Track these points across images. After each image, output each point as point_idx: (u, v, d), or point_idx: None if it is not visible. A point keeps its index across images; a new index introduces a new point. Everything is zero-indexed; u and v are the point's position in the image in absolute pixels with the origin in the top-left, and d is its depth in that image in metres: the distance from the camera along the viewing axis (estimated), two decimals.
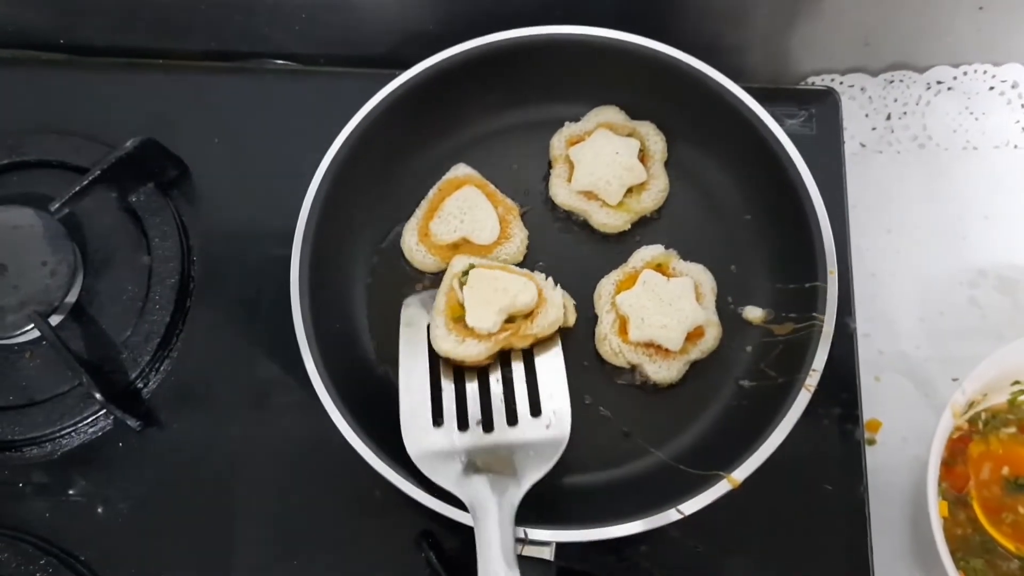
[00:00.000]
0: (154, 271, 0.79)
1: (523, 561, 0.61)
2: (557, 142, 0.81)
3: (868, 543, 0.72)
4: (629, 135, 0.80)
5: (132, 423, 0.73)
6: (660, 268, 0.75)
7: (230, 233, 0.82)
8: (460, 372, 0.70)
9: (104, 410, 0.75)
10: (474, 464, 0.65)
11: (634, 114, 0.82)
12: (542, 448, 0.66)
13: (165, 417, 0.76)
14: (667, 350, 0.72)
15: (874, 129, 0.93)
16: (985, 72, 0.91)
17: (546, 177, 0.81)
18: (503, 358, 0.71)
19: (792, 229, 0.72)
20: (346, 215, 0.76)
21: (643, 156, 0.80)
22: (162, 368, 0.78)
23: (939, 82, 0.92)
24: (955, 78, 0.92)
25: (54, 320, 0.76)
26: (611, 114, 0.82)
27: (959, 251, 0.89)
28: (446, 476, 0.64)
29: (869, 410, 0.78)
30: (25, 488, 0.74)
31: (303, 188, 0.74)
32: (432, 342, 0.70)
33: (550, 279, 0.73)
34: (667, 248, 0.77)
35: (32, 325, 0.74)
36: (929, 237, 0.89)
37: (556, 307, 0.71)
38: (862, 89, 0.93)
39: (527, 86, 0.81)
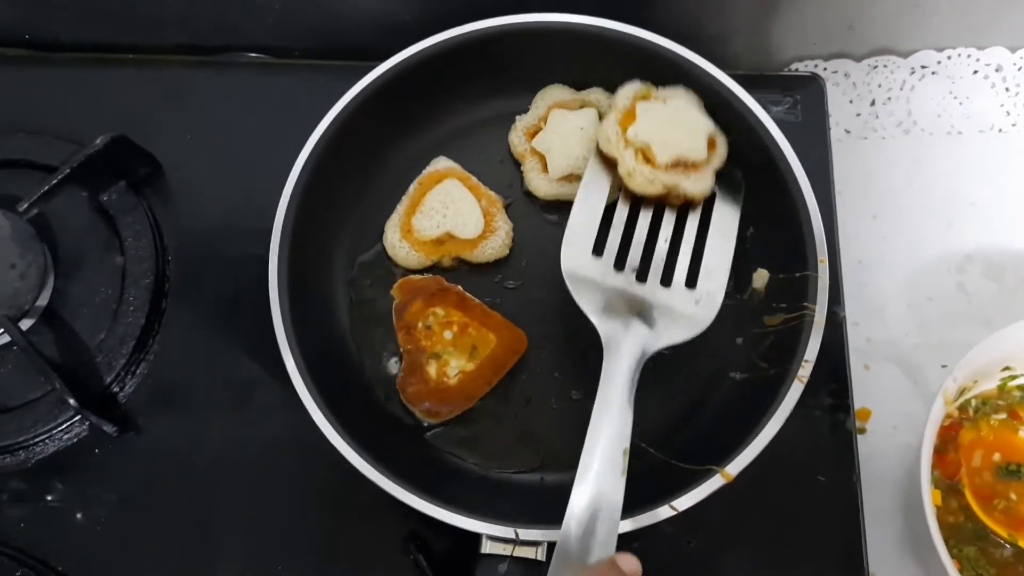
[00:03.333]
0: (128, 271, 0.77)
1: (514, 562, 0.61)
2: (516, 138, 0.80)
3: (861, 533, 0.71)
4: (581, 107, 0.79)
5: (108, 429, 0.72)
6: (645, 98, 0.74)
7: (206, 231, 0.80)
8: (635, 214, 0.70)
9: (79, 416, 0.73)
10: (618, 304, 0.65)
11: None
12: (685, 320, 0.66)
13: (142, 422, 0.75)
14: (695, 163, 0.70)
15: (858, 115, 0.92)
16: (969, 56, 0.91)
17: (518, 176, 0.80)
18: (680, 214, 0.71)
19: (781, 219, 0.71)
20: (325, 212, 0.75)
21: None
22: (138, 371, 0.76)
23: (923, 67, 0.91)
24: (939, 62, 0.91)
25: (24, 324, 0.74)
26: (557, 92, 0.81)
27: (946, 237, 0.88)
28: (589, 302, 0.65)
29: (859, 399, 0.77)
30: None
31: (279, 184, 0.72)
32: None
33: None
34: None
35: (1, 330, 0.72)
36: (915, 223, 0.89)
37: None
38: (846, 75, 0.92)
39: (508, 76, 0.79)
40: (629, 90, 0.74)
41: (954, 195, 0.90)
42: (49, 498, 0.73)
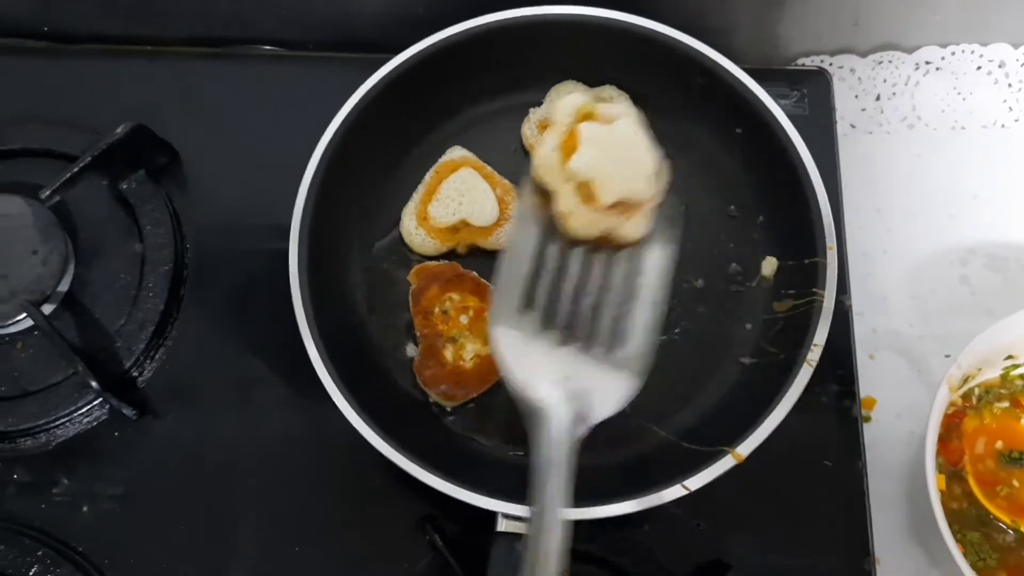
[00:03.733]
0: (147, 259, 0.78)
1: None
2: (528, 130, 0.81)
3: (867, 518, 0.72)
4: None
5: (128, 412, 0.73)
6: (588, 118, 0.62)
7: (223, 220, 0.81)
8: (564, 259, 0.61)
9: (100, 399, 0.74)
10: (553, 367, 0.58)
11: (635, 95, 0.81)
12: (613, 388, 0.58)
13: (161, 406, 0.76)
14: (638, 204, 0.60)
15: (863, 110, 0.94)
16: (972, 52, 0.92)
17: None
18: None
19: (790, 207, 0.72)
20: (342, 200, 0.76)
21: None
22: (157, 357, 0.77)
23: (927, 62, 0.93)
24: (943, 58, 0.92)
25: (46, 309, 0.75)
26: (571, 89, 0.82)
27: (949, 230, 0.89)
28: (519, 371, 0.58)
29: (864, 388, 0.78)
30: (20, 479, 0.73)
31: (295, 174, 0.73)
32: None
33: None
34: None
35: (24, 315, 0.73)
36: (919, 216, 0.90)
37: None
38: (851, 70, 0.93)
39: (523, 67, 0.80)
40: (570, 106, 0.62)
41: (957, 189, 0.91)
42: (69, 481, 0.73)
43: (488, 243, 0.77)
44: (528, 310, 0.59)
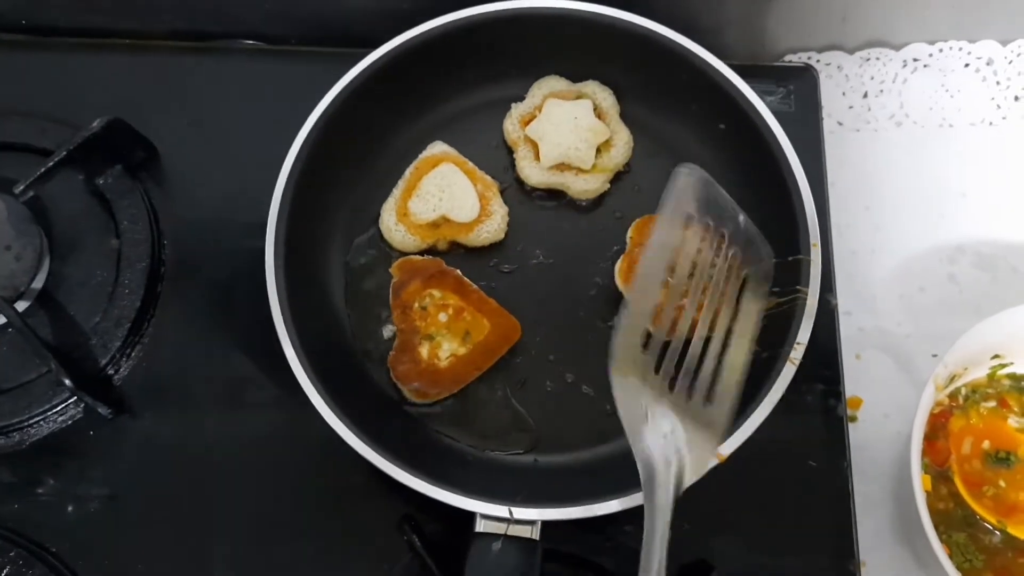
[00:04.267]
0: (123, 255, 0.77)
1: (507, 541, 0.61)
2: (510, 126, 0.80)
3: (852, 518, 0.71)
4: (577, 98, 0.80)
5: (103, 410, 0.72)
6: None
7: (202, 216, 0.80)
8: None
9: (74, 397, 0.72)
10: (660, 421, 0.58)
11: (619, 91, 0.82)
12: (703, 445, 0.59)
13: (137, 404, 0.74)
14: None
15: (851, 107, 0.93)
16: (960, 49, 0.91)
17: (511, 162, 0.80)
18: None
19: (774, 203, 0.71)
20: (321, 196, 0.75)
21: (598, 113, 0.79)
22: (133, 354, 0.76)
23: (915, 59, 0.92)
24: (931, 55, 0.92)
25: (20, 306, 0.74)
26: (553, 83, 0.81)
27: (937, 228, 0.89)
28: (632, 417, 0.58)
29: (850, 387, 0.77)
30: None
31: (276, 170, 0.72)
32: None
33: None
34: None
35: None
36: (907, 214, 0.89)
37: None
38: (839, 67, 0.92)
39: (505, 61, 0.80)
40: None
41: (945, 187, 0.90)
42: (43, 480, 0.72)
43: (469, 240, 0.76)
44: (646, 351, 0.59)
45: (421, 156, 0.78)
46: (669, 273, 0.61)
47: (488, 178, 0.78)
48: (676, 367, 0.60)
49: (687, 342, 0.61)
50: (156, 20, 0.89)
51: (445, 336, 0.72)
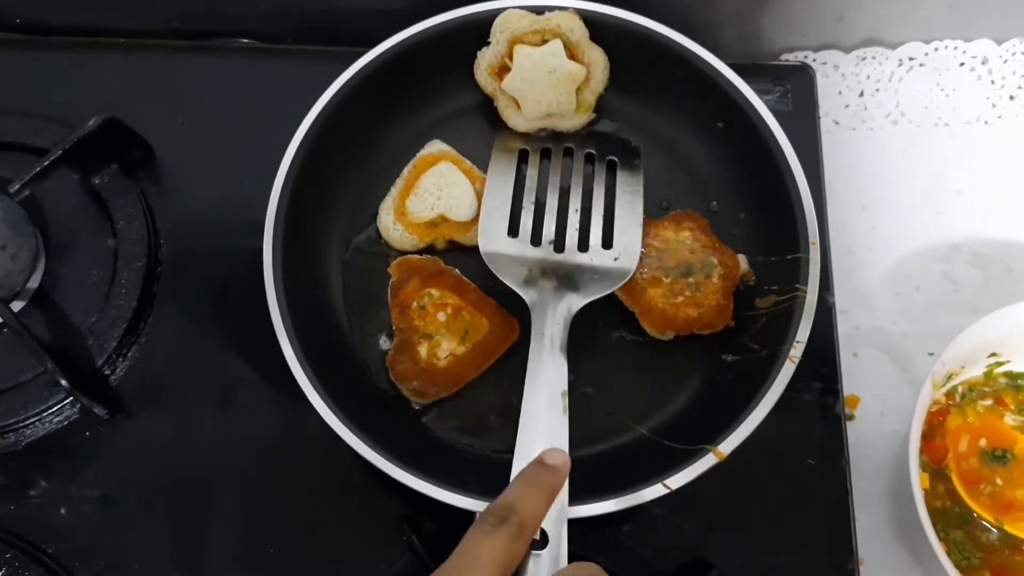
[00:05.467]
0: (120, 254, 0.76)
1: None
2: (482, 79, 0.78)
3: (850, 516, 0.71)
4: (543, 41, 0.76)
5: (99, 411, 0.71)
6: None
7: (198, 215, 0.80)
8: (543, 195, 0.75)
9: (70, 398, 0.72)
10: (539, 274, 0.70)
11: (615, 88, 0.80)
12: (607, 274, 0.70)
13: (133, 405, 0.74)
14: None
15: (847, 106, 0.93)
16: (956, 48, 0.92)
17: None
18: (586, 191, 0.75)
19: (773, 202, 0.72)
20: (319, 195, 0.75)
21: (570, 51, 0.77)
22: (130, 354, 0.75)
23: (911, 58, 0.92)
24: (926, 54, 0.92)
25: (16, 306, 0.74)
26: (515, 22, 0.76)
27: (933, 227, 0.89)
28: (512, 276, 0.69)
29: (848, 386, 0.77)
30: None
31: (272, 169, 0.72)
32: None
33: None
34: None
35: None
36: (903, 213, 0.89)
37: None
38: (835, 66, 0.93)
39: None
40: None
41: (941, 185, 0.90)
42: (39, 481, 0.72)
43: (467, 239, 0.75)
44: (513, 237, 0.72)
45: (419, 155, 0.78)
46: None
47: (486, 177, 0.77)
48: (560, 235, 0.72)
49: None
50: (152, 18, 0.89)
51: (444, 335, 0.72)
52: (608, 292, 0.69)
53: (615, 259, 0.71)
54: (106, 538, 0.71)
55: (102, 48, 0.87)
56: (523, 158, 0.77)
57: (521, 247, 0.71)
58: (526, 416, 0.62)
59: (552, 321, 0.66)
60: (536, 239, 0.72)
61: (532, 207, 0.73)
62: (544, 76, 0.76)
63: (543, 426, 0.61)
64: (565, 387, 0.63)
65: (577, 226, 0.72)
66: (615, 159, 0.76)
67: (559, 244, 0.71)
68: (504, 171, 0.75)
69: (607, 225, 0.73)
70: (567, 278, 0.69)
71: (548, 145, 0.78)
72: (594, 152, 0.77)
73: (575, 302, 0.68)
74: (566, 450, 0.60)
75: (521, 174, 0.76)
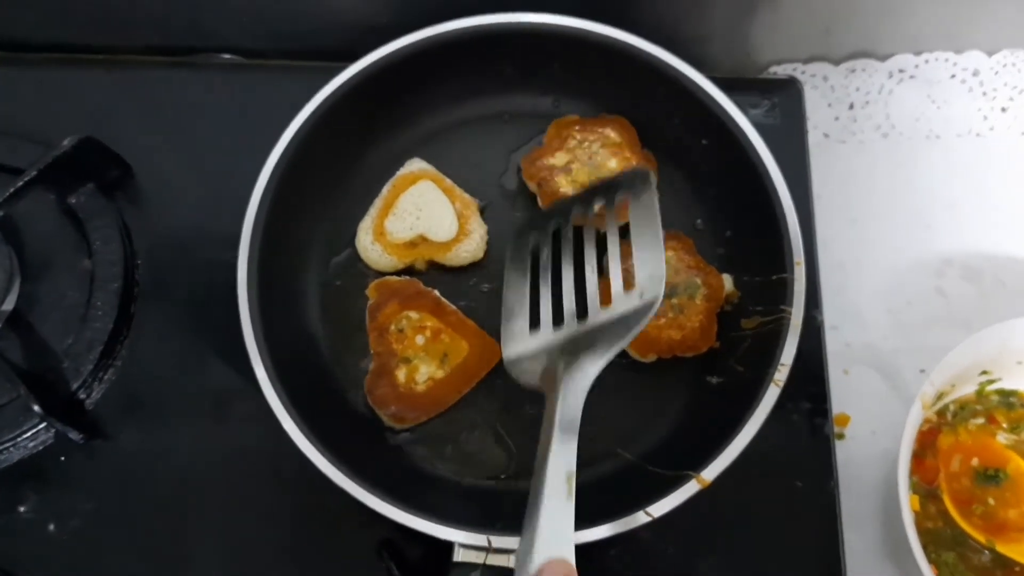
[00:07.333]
0: (96, 276, 0.75)
1: (486, 570, 0.60)
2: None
3: (839, 539, 0.70)
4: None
5: (74, 436, 0.70)
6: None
7: (176, 235, 0.79)
8: (558, 271, 0.69)
9: (44, 423, 0.71)
10: (558, 355, 0.64)
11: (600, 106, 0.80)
12: (631, 316, 0.62)
13: (110, 428, 0.73)
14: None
15: (837, 119, 0.92)
16: (947, 60, 0.91)
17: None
18: (600, 244, 0.68)
19: (758, 222, 0.70)
20: (296, 215, 0.74)
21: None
22: (106, 377, 0.74)
23: (901, 70, 0.91)
24: (916, 66, 0.91)
25: None
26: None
27: (924, 240, 0.88)
28: (530, 375, 0.65)
29: (837, 404, 0.76)
30: None
31: (251, 186, 0.71)
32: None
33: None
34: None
35: None
36: (894, 227, 0.88)
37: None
38: (824, 79, 0.92)
39: (483, 77, 0.79)
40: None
41: (932, 199, 0.89)
42: (14, 506, 0.71)
43: (447, 259, 0.75)
44: (536, 331, 0.67)
45: (399, 173, 0.77)
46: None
47: (467, 196, 0.77)
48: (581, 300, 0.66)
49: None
50: (131, 35, 0.88)
51: (423, 359, 0.70)
52: (637, 330, 0.61)
53: (641, 294, 0.62)
54: (84, 563, 0.70)
55: (81, 65, 0.86)
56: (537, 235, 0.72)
57: (543, 337, 0.66)
58: (534, 497, 0.55)
59: (567, 406, 0.59)
60: (558, 319, 0.66)
61: (548, 289, 0.68)
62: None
63: (546, 518, 0.54)
64: (573, 469, 0.56)
65: (596, 285, 0.66)
66: (625, 198, 0.68)
67: (581, 311, 0.65)
68: (518, 269, 0.71)
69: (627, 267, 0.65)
70: (587, 340, 0.63)
71: (558, 221, 0.71)
72: (603, 200, 0.70)
73: (591, 369, 0.60)
74: (571, 541, 0.54)
75: (535, 258, 0.71)
